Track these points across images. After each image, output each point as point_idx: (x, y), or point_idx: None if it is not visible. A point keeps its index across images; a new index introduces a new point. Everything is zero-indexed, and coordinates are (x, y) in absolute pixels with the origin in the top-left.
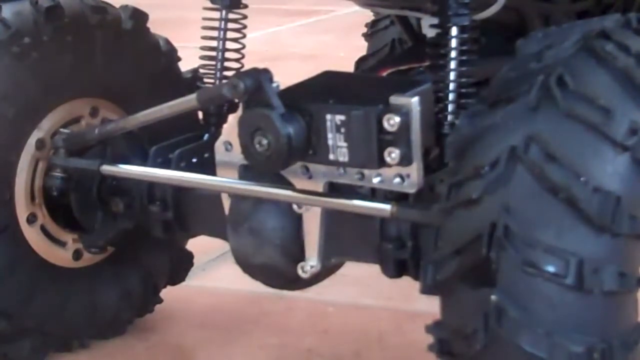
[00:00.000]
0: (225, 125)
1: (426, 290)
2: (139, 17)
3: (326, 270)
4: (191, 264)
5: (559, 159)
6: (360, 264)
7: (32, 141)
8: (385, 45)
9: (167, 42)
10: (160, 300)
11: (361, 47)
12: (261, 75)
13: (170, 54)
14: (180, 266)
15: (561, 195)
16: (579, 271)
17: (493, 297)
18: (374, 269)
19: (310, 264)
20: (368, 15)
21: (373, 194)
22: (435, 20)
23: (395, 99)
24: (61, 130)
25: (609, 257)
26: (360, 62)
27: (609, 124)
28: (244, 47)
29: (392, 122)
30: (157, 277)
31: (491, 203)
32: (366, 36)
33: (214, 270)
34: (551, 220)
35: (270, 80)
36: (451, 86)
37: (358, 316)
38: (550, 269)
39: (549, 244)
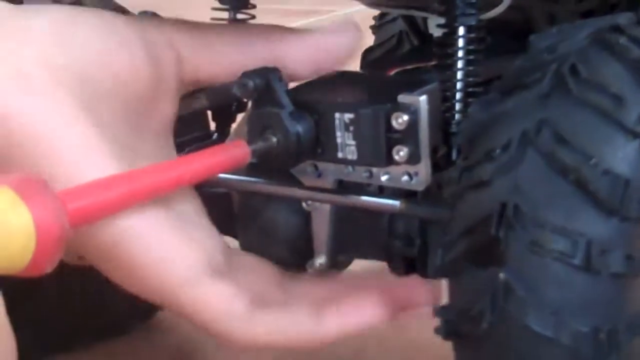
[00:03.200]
0: (234, 125)
1: (435, 273)
2: None
3: (334, 268)
4: None
5: (570, 142)
6: (359, 264)
7: None
8: (392, 37)
9: None
10: None
11: (361, 47)
12: (270, 74)
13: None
14: None
15: (571, 177)
16: (587, 252)
17: (501, 276)
18: (374, 268)
19: (319, 261)
20: (368, 15)
21: (381, 193)
22: (441, 20)
23: (403, 98)
24: None
25: (617, 240)
26: (366, 53)
27: (621, 111)
28: None
29: (400, 120)
30: None
31: (502, 184)
32: (373, 28)
33: None
34: (561, 201)
35: (279, 79)
36: (458, 85)
37: None
38: (559, 248)
39: (558, 225)
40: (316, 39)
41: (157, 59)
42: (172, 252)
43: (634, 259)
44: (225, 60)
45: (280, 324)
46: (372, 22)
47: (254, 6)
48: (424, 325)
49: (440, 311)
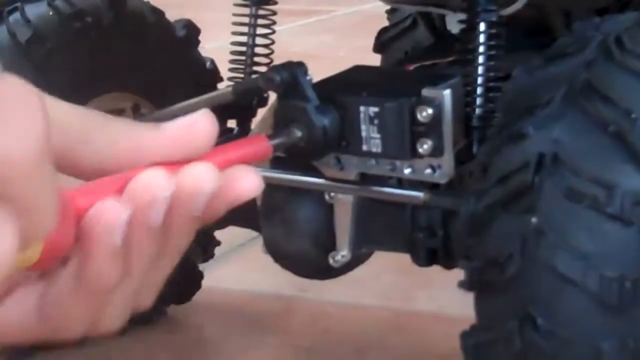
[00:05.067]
0: (256, 119)
1: (464, 220)
2: (192, 29)
3: (356, 260)
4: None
5: (611, 99)
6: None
7: None
8: (407, 17)
9: (213, 62)
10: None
11: (361, 47)
12: (296, 68)
13: (214, 75)
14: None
15: (611, 129)
16: (621, 202)
17: (533, 220)
18: (374, 269)
19: (342, 253)
20: (368, 15)
21: (402, 186)
22: (460, 17)
23: (427, 91)
24: None
25: None
26: (381, 33)
27: None
28: (273, 42)
29: (424, 113)
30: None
31: (541, 137)
32: (389, 12)
33: (214, 271)
34: (599, 152)
35: (305, 73)
36: (479, 80)
37: (358, 316)
38: (594, 196)
39: (595, 174)
40: (170, 131)
41: None
42: None
43: None
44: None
45: None
46: (373, 22)
47: (275, 2)
48: (424, 325)
49: (466, 263)
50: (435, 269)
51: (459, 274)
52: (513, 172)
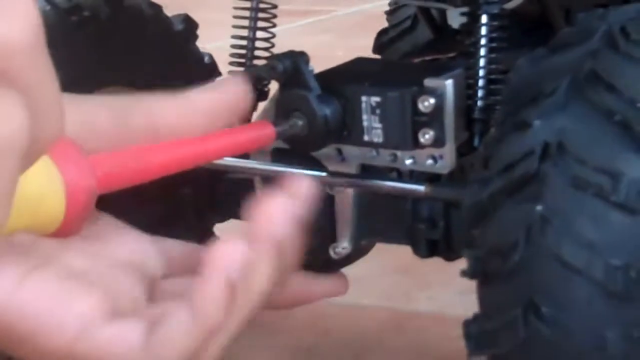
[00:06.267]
0: (257, 113)
1: (467, 209)
2: (190, 24)
3: (357, 252)
4: None
5: (617, 88)
6: (360, 263)
7: None
8: (407, 18)
9: (211, 57)
10: None
11: (361, 47)
12: (298, 58)
13: (212, 69)
14: None
15: (616, 118)
16: (626, 190)
17: (538, 208)
18: (374, 269)
19: (342, 245)
20: (368, 15)
21: (400, 178)
22: (463, 10)
23: (429, 81)
24: None
25: None
26: (380, 34)
27: None
28: (273, 36)
29: (426, 103)
30: None
31: (546, 126)
32: (388, 13)
33: None
34: (604, 141)
35: (307, 62)
36: (481, 72)
37: (358, 316)
38: (599, 185)
39: (600, 163)
40: (191, 101)
41: None
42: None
43: None
44: (98, 127)
45: (174, 336)
46: (373, 22)
47: None
48: (424, 325)
49: (469, 251)
50: (435, 270)
51: (459, 274)
52: (517, 160)
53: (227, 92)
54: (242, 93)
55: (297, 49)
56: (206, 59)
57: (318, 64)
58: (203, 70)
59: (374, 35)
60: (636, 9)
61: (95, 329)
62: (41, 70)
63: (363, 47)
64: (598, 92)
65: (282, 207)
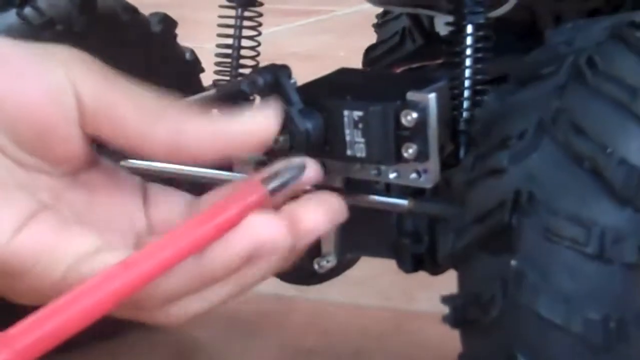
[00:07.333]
0: None
1: (444, 259)
2: (168, 23)
3: (341, 266)
4: None
5: (586, 132)
6: (360, 263)
7: None
8: (395, 34)
9: (193, 52)
10: None
11: (362, 48)
12: (279, 71)
13: (195, 65)
14: None
15: (586, 165)
16: (600, 241)
17: (513, 262)
18: (374, 269)
19: (327, 259)
20: (368, 15)
21: (387, 190)
22: (449, 18)
23: (412, 95)
24: None
25: (631, 230)
26: (369, 50)
27: (636, 102)
28: (259, 44)
29: (409, 118)
30: None
31: (516, 172)
32: (376, 26)
33: None
34: (575, 189)
35: (289, 76)
36: (466, 83)
37: (358, 316)
38: (572, 236)
39: (572, 212)
40: (221, 127)
41: (56, 101)
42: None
43: None
44: (126, 128)
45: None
46: (373, 22)
47: (261, 4)
48: (424, 325)
49: (449, 299)
50: None
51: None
52: (490, 210)
53: (256, 123)
54: (270, 127)
55: (298, 48)
56: (187, 55)
57: (319, 64)
58: (185, 67)
59: (374, 35)
60: (603, 27)
61: (85, 262)
62: None
63: (363, 47)
64: (566, 135)
65: (325, 212)
